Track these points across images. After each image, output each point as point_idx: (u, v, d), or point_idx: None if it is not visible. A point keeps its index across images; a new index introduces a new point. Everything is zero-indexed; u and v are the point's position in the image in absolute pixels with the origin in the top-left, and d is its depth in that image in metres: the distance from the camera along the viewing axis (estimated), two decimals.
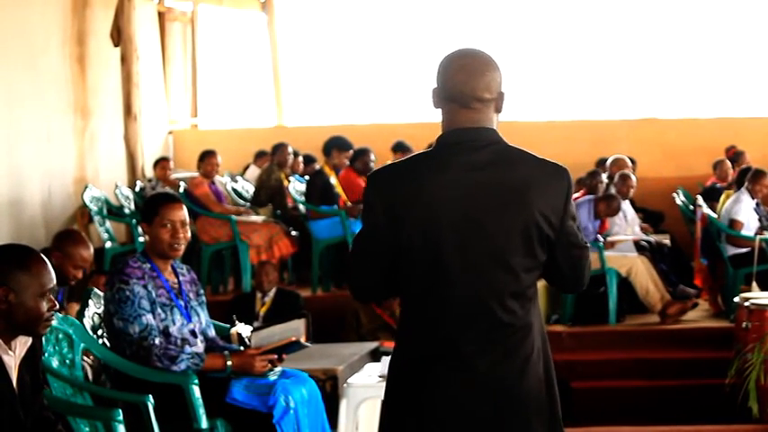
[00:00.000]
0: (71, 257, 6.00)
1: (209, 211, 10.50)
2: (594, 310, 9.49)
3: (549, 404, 3.23)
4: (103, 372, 5.30)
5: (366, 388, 5.67)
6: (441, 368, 3.17)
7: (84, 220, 11.63)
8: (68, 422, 4.65)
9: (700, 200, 10.49)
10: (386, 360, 5.72)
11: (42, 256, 3.81)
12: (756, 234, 9.49)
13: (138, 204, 11.28)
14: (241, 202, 11.61)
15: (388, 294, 3.33)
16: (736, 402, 6.90)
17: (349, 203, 10.55)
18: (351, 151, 10.89)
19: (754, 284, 9.11)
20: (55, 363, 4.88)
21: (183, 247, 5.15)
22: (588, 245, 3.34)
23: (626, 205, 10.21)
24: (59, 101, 11.85)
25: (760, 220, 9.67)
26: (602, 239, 9.59)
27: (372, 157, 10.83)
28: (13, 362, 3.74)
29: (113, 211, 11.34)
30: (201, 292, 5.33)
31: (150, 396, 4.79)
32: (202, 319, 5.25)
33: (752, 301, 7.59)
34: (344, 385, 5.77)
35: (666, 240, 10.35)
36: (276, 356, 5.18)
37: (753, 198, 9.71)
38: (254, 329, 5.39)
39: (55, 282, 3.80)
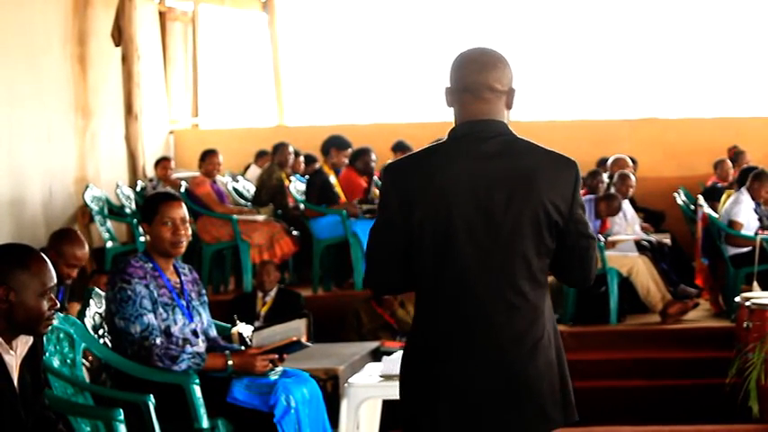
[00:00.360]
0: (64, 256, 6.03)
1: (211, 210, 10.50)
2: (595, 309, 9.49)
3: (561, 389, 3.29)
4: (104, 371, 5.30)
5: (367, 388, 5.66)
6: (453, 354, 3.24)
7: (84, 219, 11.62)
8: (69, 422, 4.66)
9: (701, 199, 10.48)
10: (387, 360, 5.73)
11: (43, 255, 3.82)
12: (756, 233, 9.48)
13: (140, 204, 11.27)
14: (242, 201, 11.61)
15: (404, 286, 3.39)
16: (736, 402, 6.92)
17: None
18: (349, 150, 10.87)
19: (755, 284, 9.10)
20: (56, 362, 4.88)
21: (184, 245, 5.15)
22: (596, 237, 3.42)
23: (626, 205, 10.22)
24: (60, 100, 11.84)
25: (760, 219, 9.65)
26: (602, 239, 9.58)
27: (373, 156, 10.82)
28: (14, 361, 3.74)
29: (114, 211, 11.34)
30: (203, 291, 5.33)
31: (151, 396, 4.80)
32: (204, 318, 5.25)
33: (753, 300, 7.58)
34: (345, 385, 5.76)
35: (667, 240, 10.33)
36: (277, 356, 5.18)
37: (753, 198, 9.70)
38: (256, 329, 5.39)
39: (55, 281, 3.81)
